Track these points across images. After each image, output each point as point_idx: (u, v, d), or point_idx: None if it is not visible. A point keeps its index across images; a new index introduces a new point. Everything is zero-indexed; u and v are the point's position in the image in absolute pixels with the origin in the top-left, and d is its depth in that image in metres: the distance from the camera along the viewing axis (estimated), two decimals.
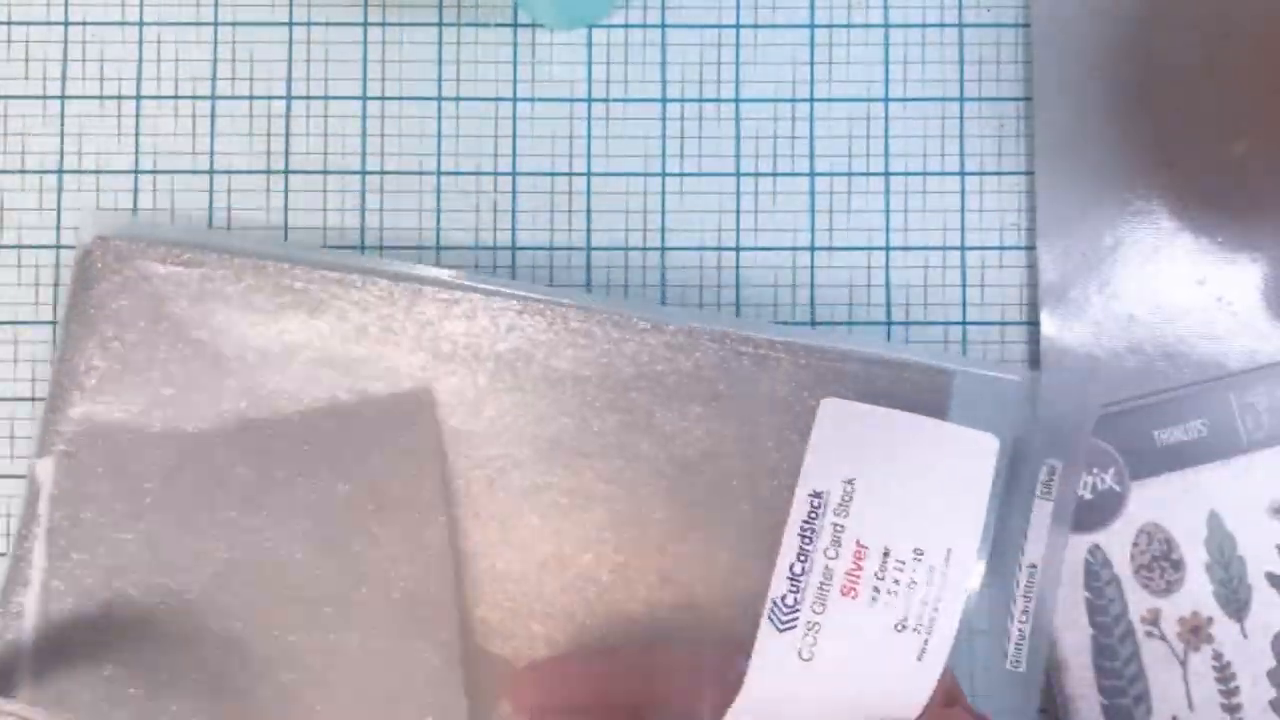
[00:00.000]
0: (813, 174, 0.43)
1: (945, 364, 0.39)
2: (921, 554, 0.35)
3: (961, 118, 0.43)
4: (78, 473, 0.40)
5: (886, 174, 0.43)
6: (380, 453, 0.40)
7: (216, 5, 0.43)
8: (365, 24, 0.43)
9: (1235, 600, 0.40)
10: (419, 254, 0.43)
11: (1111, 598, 0.40)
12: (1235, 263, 0.42)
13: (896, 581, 0.35)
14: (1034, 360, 0.42)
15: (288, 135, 0.43)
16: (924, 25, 0.43)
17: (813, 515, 0.36)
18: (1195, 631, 0.40)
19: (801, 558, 0.35)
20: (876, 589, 0.35)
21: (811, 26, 0.43)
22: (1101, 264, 0.42)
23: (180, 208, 0.43)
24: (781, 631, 0.35)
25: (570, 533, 0.40)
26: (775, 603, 0.35)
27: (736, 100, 0.43)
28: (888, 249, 0.43)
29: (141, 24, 0.43)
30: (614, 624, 0.40)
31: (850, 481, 0.36)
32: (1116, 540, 0.40)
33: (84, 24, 0.43)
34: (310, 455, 0.40)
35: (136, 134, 0.43)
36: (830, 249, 0.43)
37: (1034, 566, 0.39)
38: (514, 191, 0.43)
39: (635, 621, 0.39)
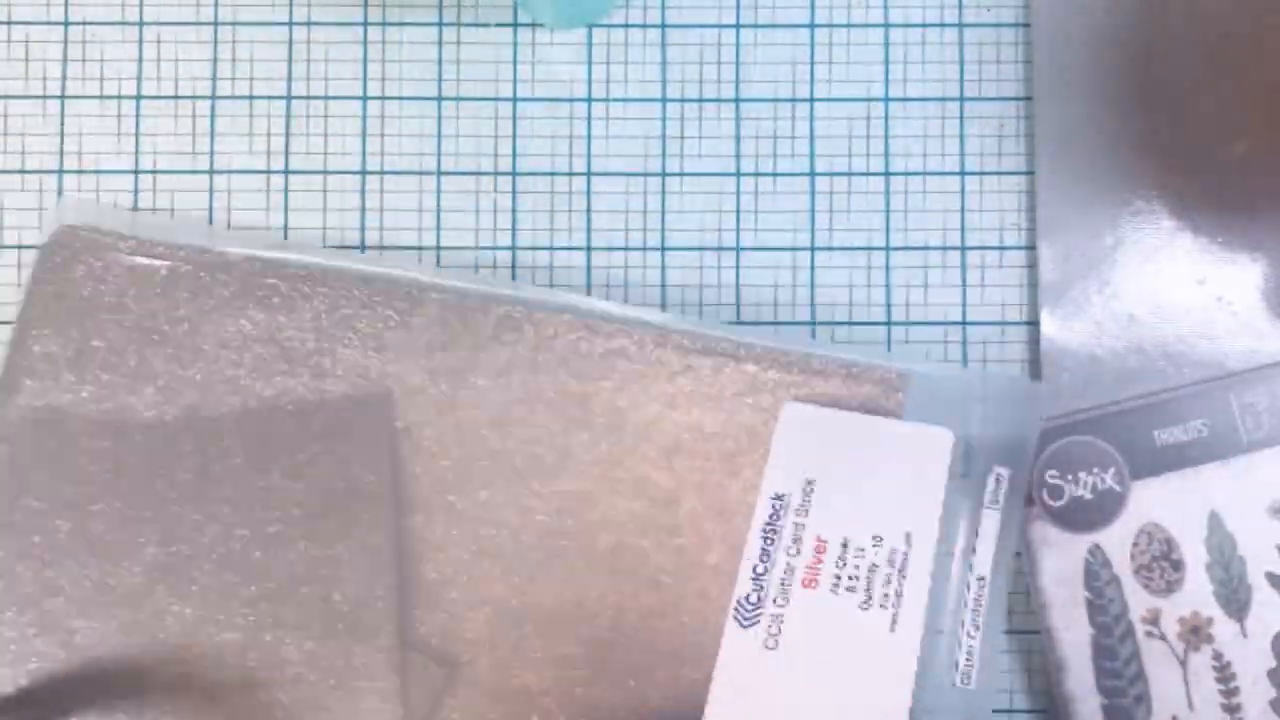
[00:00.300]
0: (813, 174, 0.43)
1: (899, 365, 0.40)
2: (881, 540, 0.37)
3: (961, 118, 0.43)
4: (20, 459, 0.40)
5: (886, 174, 0.43)
6: (331, 451, 0.40)
7: (216, 5, 0.43)
8: (365, 24, 0.43)
9: (1235, 600, 0.40)
10: (419, 254, 0.43)
11: (1111, 598, 0.40)
12: (1235, 263, 0.42)
13: (857, 567, 0.36)
14: (1034, 361, 0.42)
15: (288, 135, 0.43)
16: (924, 25, 0.43)
17: (775, 517, 0.37)
18: (1195, 631, 0.40)
19: (764, 558, 0.37)
20: (837, 577, 0.36)
21: (811, 26, 0.43)
22: (1101, 264, 0.42)
23: (180, 208, 0.43)
24: (745, 628, 0.36)
25: (520, 535, 0.40)
26: (740, 602, 0.36)
27: (736, 100, 0.43)
28: (888, 249, 0.43)
29: (141, 24, 0.43)
30: (563, 632, 0.39)
31: (810, 482, 0.37)
32: (1116, 540, 0.40)
33: (84, 24, 0.43)
34: (260, 451, 0.40)
35: (136, 134, 0.43)
36: (830, 249, 0.43)
37: (983, 579, 0.39)
38: (514, 191, 0.43)
39: (585, 628, 0.39)
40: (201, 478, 0.40)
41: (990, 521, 0.39)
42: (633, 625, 0.39)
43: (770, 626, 0.36)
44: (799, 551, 0.36)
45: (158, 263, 0.41)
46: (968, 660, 0.39)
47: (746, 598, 0.36)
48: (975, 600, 0.39)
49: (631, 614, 0.39)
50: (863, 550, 0.36)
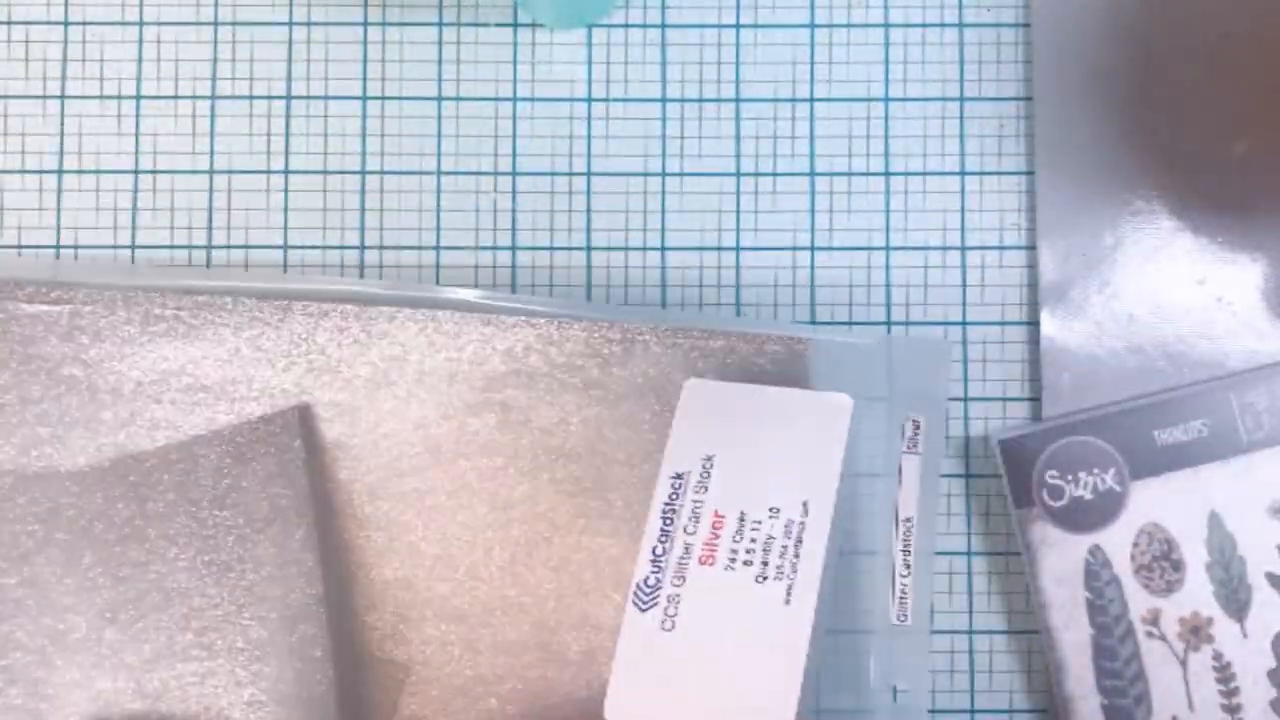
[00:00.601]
0: (813, 174, 0.43)
1: (801, 332, 0.41)
2: (777, 511, 0.36)
3: (961, 118, 0.43)
4: None
5: (886, 174, 0.43)
6: (252, 474, 0.40)
7: (216, 5, 0.43)
8: (365, 24, 0.43)
9: (1235, 600, 0.40)
10: (419, 254, 0.43)
11: (1111, 598, 0.40)
12: (1235, 263, 0.42)
13: (754, 540, 0.36)
14: (1034, 361, 0.42)
15: (288, 135, 0.43)
16: (924, 25, 0.43)
17: (674, 496, 0.36)
18: (1195, 631, 0.40)
19: (663, 538, 0.36)
20: (734, 552, 0.36)
21: (811, 26, 0.43)
22: (1101, 264, 0.42)
23: (180, 207, 0.43)
24: (644, 611, 0.35)
25: (456, 534, 0.40)
26: (638, 585, 0.36)
27: (736, 100, 0.43)
28: (887, 249, 0.43)
29: (141, 24, 0.43)
30: (508, 620, 0.40)
31: (710, 458, 0.37)
32: (1116, 540, 0.40)
33: (84, 24, 0.43)
34: (189, 483, 0.40)
35: (136, 134, 0.43)
36: (830, 249, 0.43)
37: (909, 520, 0.40)
38: (514, 191, 0.43)
39: (529, 614, 0.40)
40: (139, 517, 0.40)
41: (911, 466, 0.40)
42: (575, 607, 0.40)
43: (668, 608, 0.35)
44: (696, 529, 0.36)
45: (57, 308, 0.41)
46: (902, 599, 0.40)
47: (645, 580, 0.36)
48: (904, 541, 0.40)
49: (571, 596, 0.40)
50: (759, 523, 0.36)
